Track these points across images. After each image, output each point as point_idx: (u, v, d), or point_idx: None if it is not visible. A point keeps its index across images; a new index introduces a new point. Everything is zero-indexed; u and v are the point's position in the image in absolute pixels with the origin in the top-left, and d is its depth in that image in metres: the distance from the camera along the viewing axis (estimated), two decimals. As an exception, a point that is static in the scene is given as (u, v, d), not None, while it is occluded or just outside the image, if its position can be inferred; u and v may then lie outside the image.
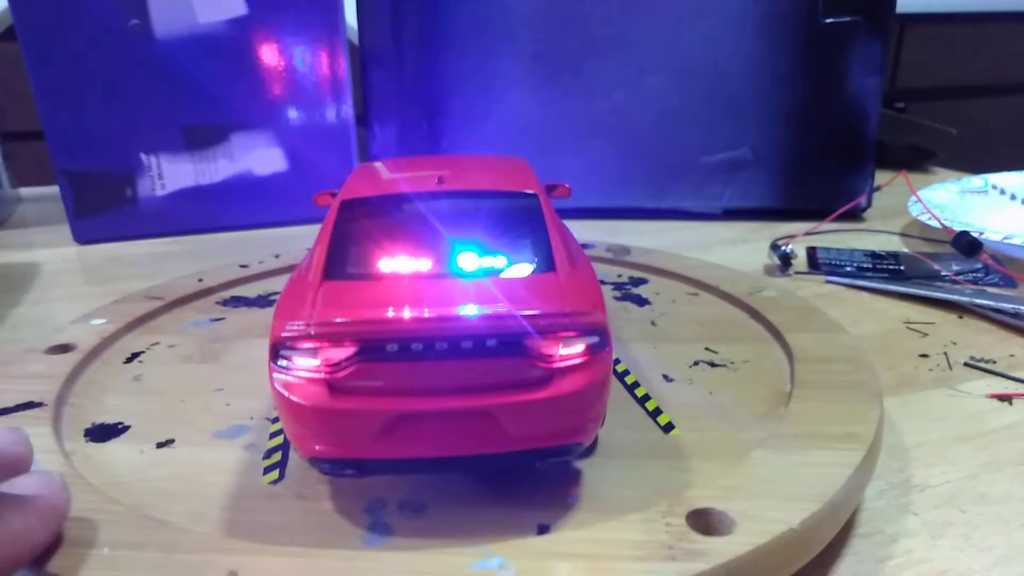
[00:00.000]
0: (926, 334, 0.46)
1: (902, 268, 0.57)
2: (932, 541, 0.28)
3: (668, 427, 0.33)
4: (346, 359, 0.25)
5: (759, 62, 0.68)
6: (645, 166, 0.72)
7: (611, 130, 0.71)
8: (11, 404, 0.34)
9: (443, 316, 0.25)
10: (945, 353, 0.43)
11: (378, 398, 0.25)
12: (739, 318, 0.45)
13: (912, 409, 0.37)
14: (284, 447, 0.32)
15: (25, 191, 0.90)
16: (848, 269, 0.56)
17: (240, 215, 0.71)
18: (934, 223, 0.60)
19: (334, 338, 0.25)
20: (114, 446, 0.32)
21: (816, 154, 0.70)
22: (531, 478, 0.30)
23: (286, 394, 0.26)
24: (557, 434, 0.26)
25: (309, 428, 0.26)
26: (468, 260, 0.28)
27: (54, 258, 0.66)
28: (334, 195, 0.44)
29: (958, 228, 0.56)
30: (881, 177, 0.71)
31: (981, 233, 0.55)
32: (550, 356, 0.26)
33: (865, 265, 0.57)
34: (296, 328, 0.25)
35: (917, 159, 0.90)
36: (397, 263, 0.28)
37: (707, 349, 0.41)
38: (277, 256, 0.55)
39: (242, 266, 0.53)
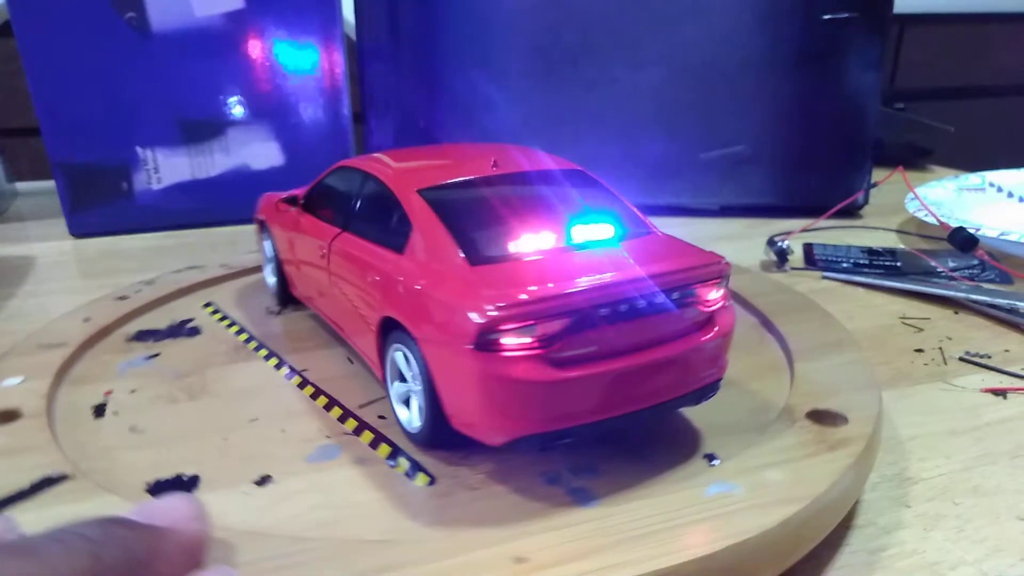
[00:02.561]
0: (921, 329, 0.46)
1: (899, 264, 0.56)
2: (925, 533, 0.28)
3: None
4: (561, 331, 0.26)
5: (757, 58, 0.68)
6: (642, 162, 0.72)
7: (609, 125, 0.71)
8: (25, 485, 0.28)
9: (636, 276, 0.27)
10: (940, 348, 0.43)
11: (596, 363, 0.27)
12: None
13: (907, 403, 0.37)
14: (400, 450, 0.31)
15: (21, 185, 0.90)
16: (844, 265, 0.56)
17: (236, 210, 0.71)
18: (931, 220, 0.59)
19: (550, 312, 0.26)
20: (205, 497, 0.27)
21: (814, 151, 0.70)
22: (648, 425, 0.32)
23: (505, 376, 0.26)
24: (716, 369, 0.30)
25: (529, 406, 0.26)
26: (588, 232, 0.30)
27: (49, 251, 0.66)
28: (293, 201, 0.43)
29: (955, 224, 0.56)
30: (878, 174, 0.71)
31: (977, 229, 0.55)
32: (708, 301, 0.29)
33: (862, 261, 0.57)
34: (504, 309, 0.25)
35: (915, 157, 0.90)
36: (527, 242, 0.30)
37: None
38: (150, 283, 0.50)
39: (120, 298, 0.47)
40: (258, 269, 0.53)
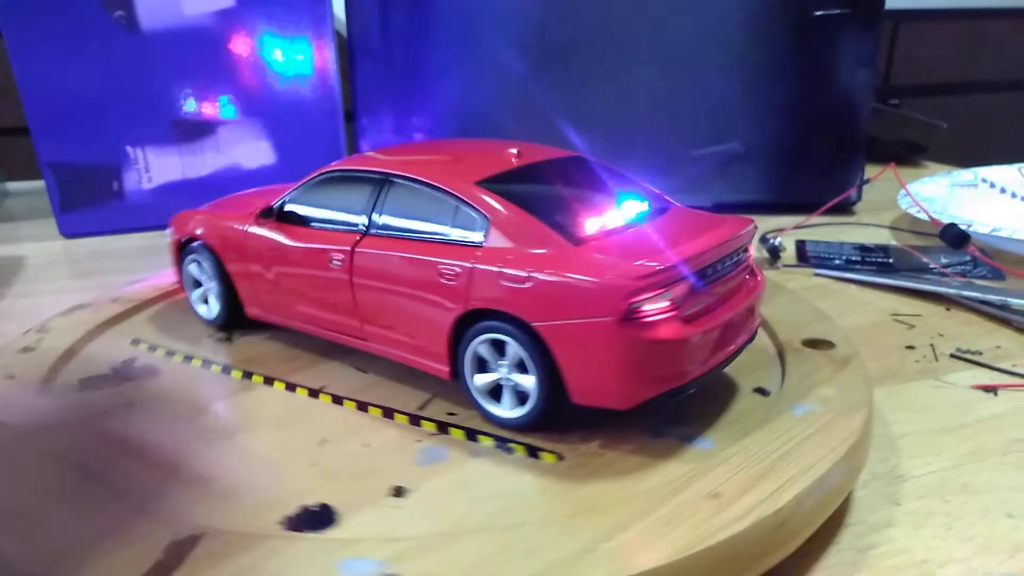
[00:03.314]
0: (913, 326, 0.46)
1: (891, 261, 0.56)
2: (914, 531, 0.28)
3: None
4: (687, 292, 0.29)
5: (749, 55, 0.68)
6: (634, 159, 0.72)
7: (600, 123, 0.71)
8: (161, 557, 0.24)
9: (721, 240, 0.31)
10: (932, 345, 0.43)
11: (711, 315, 0.30)
12: None
13: (897, 400, 0.37)
14: (504, 439, 0.31)
15: (12, 185, 0.89)
16: (837, 262, 0.56)
17: (228, 209, 0.71)
18: (923, 216, 0.59)
19: (678, 277, 0.29)
20: (352, 521, 0.27)
21: (806, 148, 0.70)
22: None
23: (652, 340, 0.28)
24: (758, 315, 0.35)
25: (668, 365, 0.29)
26: (638, 207, 0.34)
27: (40, 252, 0.65)
28: (268, 213, 0.40)
29: (947, 221, 0.56)
30: (871, 171, 0.71)
31: (969, 226, 0.55)
32: (749, 258, 0.34)
33: (854, 258, 0.57)
34: (645, 278, 0.28)
35: (908, 153, 0.90)
36: (599, 220, 0.32)
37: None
38: (41, 331, 0.43)
39: (24, 350, 0.41)
40: (156, 300, 0.48)
